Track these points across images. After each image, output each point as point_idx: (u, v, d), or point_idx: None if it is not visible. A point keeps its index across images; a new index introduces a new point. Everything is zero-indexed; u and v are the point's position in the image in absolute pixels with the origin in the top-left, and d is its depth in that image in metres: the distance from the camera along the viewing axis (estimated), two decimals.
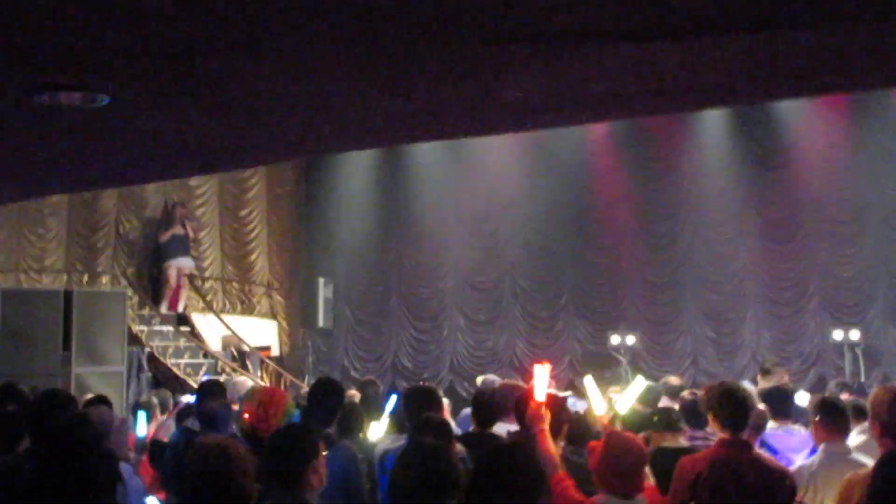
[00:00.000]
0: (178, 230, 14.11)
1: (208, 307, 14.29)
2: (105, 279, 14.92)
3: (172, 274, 14.07)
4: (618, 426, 4.78)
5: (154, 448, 5.48)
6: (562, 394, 6.87)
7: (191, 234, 14.34)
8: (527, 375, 5.13)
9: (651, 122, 13.80)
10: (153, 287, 14.32)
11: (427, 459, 2.82)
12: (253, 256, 16.10)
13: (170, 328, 13.43)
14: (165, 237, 14.04)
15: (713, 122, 14.24)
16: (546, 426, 3.98)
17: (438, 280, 15.31)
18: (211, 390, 5.75)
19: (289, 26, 3.20)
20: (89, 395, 6.42)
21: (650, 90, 4.38)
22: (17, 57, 3.42)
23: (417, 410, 4.70)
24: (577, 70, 3.95)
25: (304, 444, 3.29)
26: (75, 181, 7.01)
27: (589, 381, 4.93)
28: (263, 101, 4.30)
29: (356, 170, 15.78)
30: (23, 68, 3.54)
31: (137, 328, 12.76)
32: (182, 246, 14.14)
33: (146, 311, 13.80)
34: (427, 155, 15.27)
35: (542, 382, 4.07)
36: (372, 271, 15.71)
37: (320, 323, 14.84)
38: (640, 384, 5.42)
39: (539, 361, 4.21)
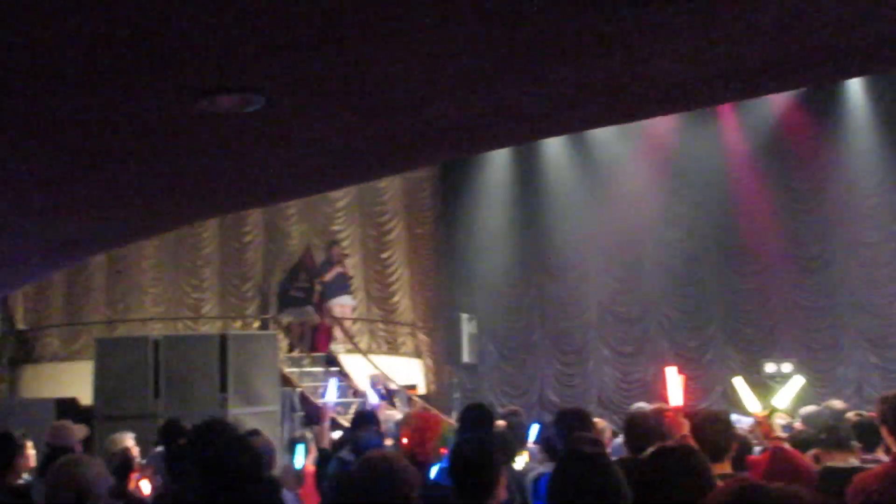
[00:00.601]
0: (339, 269, 14.65)
1: (356, 348, 14.50)
2: (256, 324, 15.52)
3: (337, 312, 14.52)
4: (775, 427, 4.53)
5: (321, 457, 5.59)
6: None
7: (350, 273, 14.74)
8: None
9: (792, 139, 13.35)
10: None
11: (586, 467, 2.77)
12: (396, 297, 16.42)
13: (319, 369, 13.70)
14: (330, 276, 14.49)
15: (862, 135, 13.61)
16: (686, 434, 3.84)
17: (581, 312, 15.14)
18: (365, 420, 5.81)
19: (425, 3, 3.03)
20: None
21: (810, 55, 4.00)
22: (176, 62, 3.41)
23: (569, 431, 4.61)
24: (737, 32, 3.56)
25: (496, 455, 3.32)
26: (226, 198, 7.05)
27: (739, 382, 4.75)
28: (408, 92, 4.12)
29: (493, 204, 15.88)
30: (181, 72, 3.53)
31: (288, 370, 13.06)
32: (344, 284, 14.68)
33: (295, 353, 14.16)
34: (564, 184, 15.23)
35: (675, 386, 3.94)
36: (514, 305, 15.69)
37: (465, 358, 14.93)
38: (797, 382, 5.18)
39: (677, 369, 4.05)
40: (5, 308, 14.97)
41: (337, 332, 14.61)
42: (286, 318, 14.52)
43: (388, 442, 5.62)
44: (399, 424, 4.78)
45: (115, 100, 3.86)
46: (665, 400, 5.07)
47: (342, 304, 14.58)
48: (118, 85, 3.66)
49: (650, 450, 5.05)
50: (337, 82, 3.83)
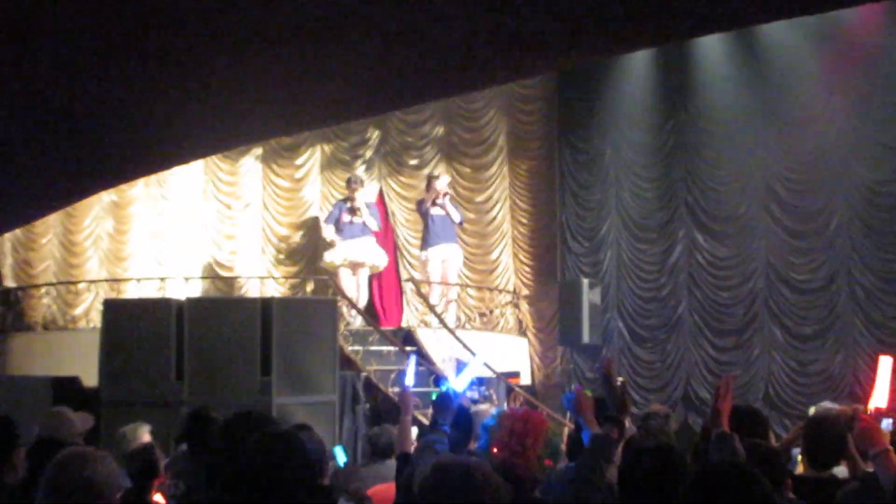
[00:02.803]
0: (440, 209, 14.98)
1: (441, 322, 14.60)
2: (309, 287, 15.76)
3: (435, 266, 14.87)
4: None
5: (400, 461, 5.61)
6: None
7: (456, 217, 15.05)
8: None
9: None
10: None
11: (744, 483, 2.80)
12: (494, 254, 16.53)
13: (390, 349, 13.82)
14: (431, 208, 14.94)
15: None
16: (889, 449, 3.76)
17: (744, 278, 14.95)
18: (444, 407, 5.67)
19: None
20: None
21: None
22: None
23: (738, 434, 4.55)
24: None
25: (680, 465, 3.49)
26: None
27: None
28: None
29: (625, 131, 15.92)
30: None
31: (351, 348, 13.19)
32: (448, 228, 15.03)
33: (359, 326, 14.31)
34: (723, 102, 15.09)
35: (884, 382, 3.83)
36: (652, 267, 15.65)
37: (585, 339, 14.97)
38: None
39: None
40: None
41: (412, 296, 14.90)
42: (330, 259, 14.82)
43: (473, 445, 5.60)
44: (487, 428, 4.72)
45: None
46: (860, 399, 4.96)
47: (445, 256, 15.00)
48: None
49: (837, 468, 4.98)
50: None
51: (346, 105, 7.87)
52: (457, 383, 6.11)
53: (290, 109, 7.49)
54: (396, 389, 13.04)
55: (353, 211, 14.70)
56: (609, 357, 3.79)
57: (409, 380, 6.21)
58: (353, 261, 14.73)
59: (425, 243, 15.16)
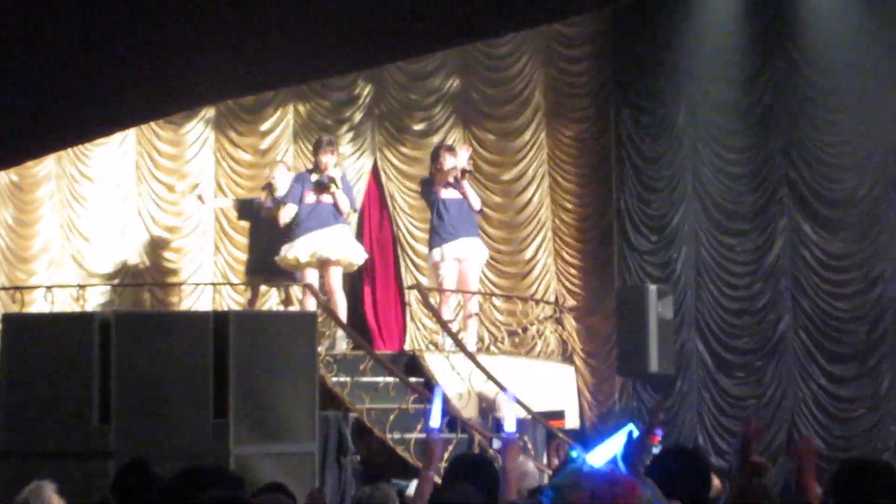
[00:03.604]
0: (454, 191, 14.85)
1: (457, 344, 14.54)
2: (279, 298, 15.68)
3: (449, 269, 14.70)
4: None
5: None
6: None
7: (475, 202, 14.98)
8: None
9: None
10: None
11: None
12: (529, 253, 16.55)
13: (388, 379, 13.72)
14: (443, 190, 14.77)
15: None
16: None
17: (869, 285, 14.97)
18: (465, 473, 5.94)
19: None
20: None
21: None
22: None
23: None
24: None
25: None
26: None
27: None
28: None
29: (704, 83, 15.87)
30: None
31: (334, 379, 13.15)
32: (468, 218, 14.91)
33: (347, 351, 14.27)
34: (842, 39, 15.13)
35: None
36: (744, 271, 15.60)
37: (652, 366, 14.91)
38: None
39: None
40: None
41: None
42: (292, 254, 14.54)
43: None
44: (551, 492, 4.62)
45: None
46: None
47: (461, 255, 14.81)
48: None
49: None
50: None
51: (329, 55, 7.59)
52: (432, 417, 6.20)
53: (253, 64, 7.45)
54: (402, 435, 13.07)
55: (321, 187, 14.39)
56: (759, 421, 3.73)
57: (436, 420, 6.22)
58: (322, 257, 14.44)
59: (436, 238, 14.94)
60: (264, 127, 16.79)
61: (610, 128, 16.53)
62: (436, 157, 15.14)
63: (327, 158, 14.38)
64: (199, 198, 15.77)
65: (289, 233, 14.49)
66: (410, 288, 16.03)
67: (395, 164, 16.76)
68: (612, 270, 16.33)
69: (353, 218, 15.75)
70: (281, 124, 16.80)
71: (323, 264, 14.47)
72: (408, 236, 16.50)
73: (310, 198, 14.33)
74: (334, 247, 14.46)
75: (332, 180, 14.25)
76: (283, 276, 14.88)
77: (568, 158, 16.79)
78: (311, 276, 14.44)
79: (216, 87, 9.27)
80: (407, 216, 16.55)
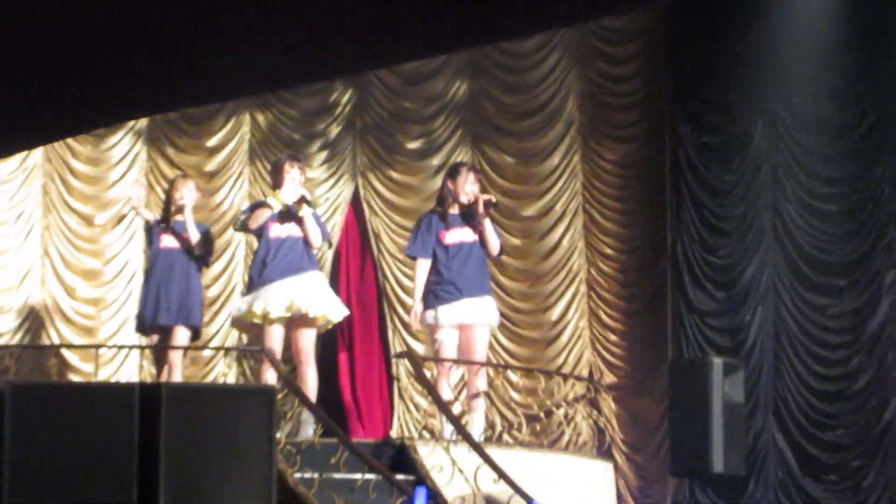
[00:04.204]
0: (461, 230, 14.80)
1: (459, 431, 14.36)
2: (226, 370, 15.42)
3: (449, 335, 14.48)
4: None
5: None
6: None
7: (495, 249, 14.98)
8: None
9: None
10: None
11: None
12: (557, 313, 16.45)
13: (369, 476, 13.62)
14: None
15: None
16: None
17: None
18: None
19: None
20: None
21: None
22: None
23: None
24: None
25: None
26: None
27: None
28: None
29: (794, 83, 15.81)
30: None
31: (298, 475, 13.20)
32: (479, 269, 14.83)
33: (314, 438, 14.14)
34: None
35: None
36: (840, 340, 15.45)
37: (717, 466, 14.62)
38: None
39: None
40: None
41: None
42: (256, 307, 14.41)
43: None
44: None
45: None
46: None
47: (460, 323, 14.62)
48: None
49: None
50: None
51: (304, 58, 7.71)
52: None
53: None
54: None
55: (287, 216, 14.28)
56: None
57: None
58: (300, 311, 14.32)
59: (430, 298, 14.79)
60: (212, 142, 16.74)
61: (664, 150, 16.46)
62: (454, 175, 14.93)
63: (293, 175, 14.32)
64: (129, 200, 15.35)
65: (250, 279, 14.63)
66: (399, 356, 15.95)
67: (382, 194, 16.73)
68: (664, 338, 16.24)
69: (327, 261, 15.72)
70: (234, 139, 16.77)
71: (293, 322, 14.40)
72: (397, 288, 16.46)
73: (275, 230, 14.26)
74: (312, 300, 14.36)
75: (304, 199, 14.19)
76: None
77: (609, 190, 16.77)
78: (276, 337, 14.35)
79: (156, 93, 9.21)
80: (396, 262, 16.46)
